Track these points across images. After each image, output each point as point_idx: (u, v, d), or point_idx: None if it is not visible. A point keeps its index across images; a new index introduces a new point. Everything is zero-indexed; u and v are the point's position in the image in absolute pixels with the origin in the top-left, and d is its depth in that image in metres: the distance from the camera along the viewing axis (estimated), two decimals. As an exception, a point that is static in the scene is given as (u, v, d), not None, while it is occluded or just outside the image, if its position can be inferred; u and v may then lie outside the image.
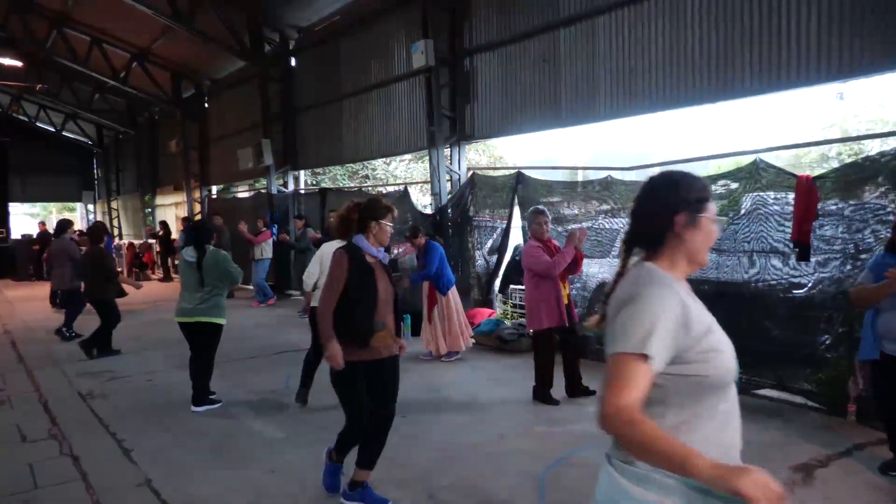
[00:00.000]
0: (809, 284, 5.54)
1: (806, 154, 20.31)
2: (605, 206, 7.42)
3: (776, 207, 5.68)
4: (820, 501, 3.69)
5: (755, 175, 5.79)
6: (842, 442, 4.49)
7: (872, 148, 18.61)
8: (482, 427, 4.97)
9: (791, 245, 5.43)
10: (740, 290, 5.93)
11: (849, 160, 19.14)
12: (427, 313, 7.37)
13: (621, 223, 7.49)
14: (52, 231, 17.05)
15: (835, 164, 18.40)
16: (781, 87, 5.75)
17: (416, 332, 8.26)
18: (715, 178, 6.19)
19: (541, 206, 6.03)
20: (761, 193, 5.78)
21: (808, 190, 5.30)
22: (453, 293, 7.38)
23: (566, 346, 5.79)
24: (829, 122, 22.67)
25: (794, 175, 5.53)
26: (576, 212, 7.66)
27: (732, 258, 6.01)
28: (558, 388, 5.70)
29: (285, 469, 4.27)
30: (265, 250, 11.84)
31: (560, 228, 7.43)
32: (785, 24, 5.63)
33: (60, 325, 9.07)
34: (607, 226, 7.55)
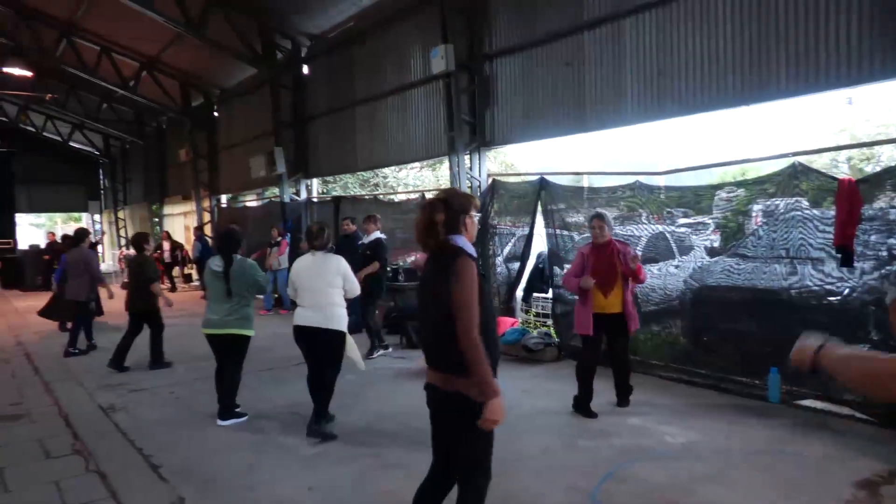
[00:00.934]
0: (846, 291, 5.39)
1: (816, 160, 20.16)
2: (632, 212, 7.29)
3: (815, 212, 5.54)
4: (889, 519, 3.52)
5: (793, 179, 5.65)
6: (901, 455, 4.33)
7: (882, 153, 18.52)
8: (523, 440, 4.80)
9: (833, 250, 5.28)
10: (777, 296, 5.78)
11: (860, 165, 19.04)
12: None
13: (650, 229, 7.36)
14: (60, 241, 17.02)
15: (845, 170, 18.28)
16: (819, 88, 5.61)
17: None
18: (751, 183, 6.05)
19: (600, 210, 5.84)
20: (799, 199, 5.65)
21: (850, 193, 5.16)
22: None
23: (613, 357, 5.64)
24: (839, 127, 22.58)
25: (835, 178, 5.39)
26: (613, 216, 7.49)
27: (769, 264, 5.87)
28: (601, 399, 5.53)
29: (323, 487, 4.11)
30: (282, 260, 11.70)
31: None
32: (823, 23, 5.50)
33: (66, 347, 8.66)
34: (636, 232, 7.41)
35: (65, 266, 9.01)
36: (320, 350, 5.06)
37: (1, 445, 5.09)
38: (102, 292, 8.91)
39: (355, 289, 5.20)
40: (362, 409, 5.78)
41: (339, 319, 5.05)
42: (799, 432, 4.82)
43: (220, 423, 5.47)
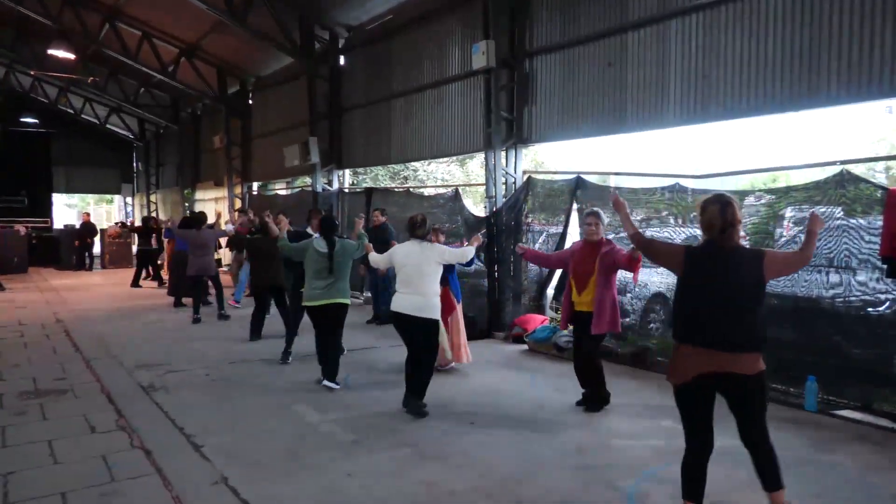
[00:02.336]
0: (888, 302, 5.33)
1: (853, 169, 19.80)
2: (670, 214, 7.25)
3: (862, 221, 5.47)
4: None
5: (839, 188, 5.58)
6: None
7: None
8: (558, 439, 4.83)
9: (880, 260, 5.21)
10: (818, 305, 5.73)
11: (899, 175, 18.60)
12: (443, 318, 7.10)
13: (687, 232, 7.31)
14: (92, 221, 17.44)
15: (883, 180, 17.93)
16: (871, 96, 5.52)
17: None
18: (796, 189, 5.99)
19: (595, 208, 5.88)
20: (834, 207, 5.58)
21: (900, 203, 5.08)
22: (458, 304, 7.12)
23: (576, 355, 5.74)
24: (879, 137, 22.14)
25: (885, 188, 5.31)
26: (639, 218, 7.48)
27: (810, 272, 5.81)
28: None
29: (363, 474, 4.18)
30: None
31: (612, 235, 7.24)
32: (879, 30, 5.41)
33: (218, 311, 10.10)
34: (672, 235, 7.37)
35: (187, 245, 10.19)
36: (417, 336, 5.42)
37: (48, 419, 5.27)
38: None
39: (467, 253, 5.67)
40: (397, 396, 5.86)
41: (435, 309, 5.43)
42: (838, 442, 4.78)
43: (326, 384, 6.13)
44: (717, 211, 3.22)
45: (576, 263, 5.56)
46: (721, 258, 3.25)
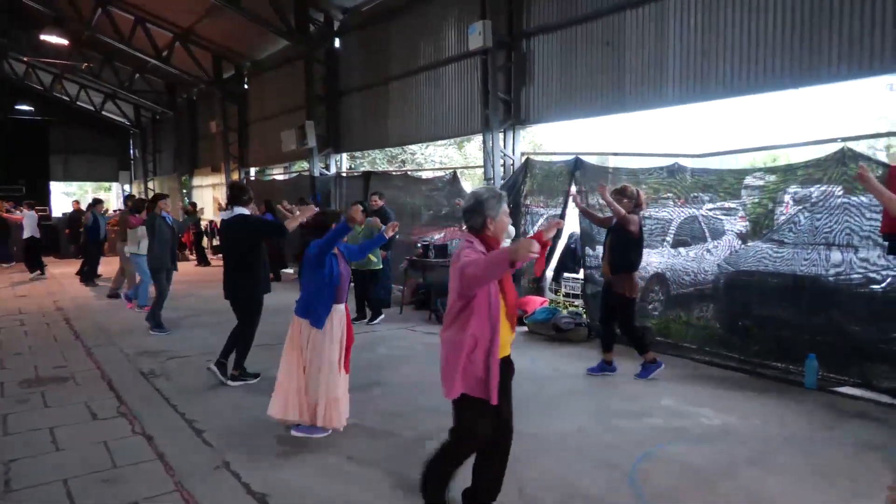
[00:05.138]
0: (889, 279, 5.31)
1: (853, 147, 19.70)
2: (668, 194, 7.22)
3: (863, 199, 5.44)
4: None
5: (841, 165, 5.54)
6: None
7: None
8: (558, 419, 4.84)
9: (882, 237, 5.19)
10: (818, 282, 5.72)
11: (901, 152, 18.51)
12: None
13: (686, 211, 7.29)
14: (83, 209, 17.33)
15: (884, 157, 17.86)
16: (873, 72, 5.48)
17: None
18: (797, 168, 5.95)
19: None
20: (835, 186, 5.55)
21: (901, 180, 5.04)
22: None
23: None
24: (880, 114, 22.01)
25: (886, 164, 5.28)
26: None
27: (811, 250, 5.79)
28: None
29: (362, 457, 4.19)
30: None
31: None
32: (880, 2, 5.35)
33: None
34: (669, 216, 7.35)
35: None
36: None
37: (50, 406, 5.27)
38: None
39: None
40: (399, 382, 5.86)
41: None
42: (837, 418, 4.80)
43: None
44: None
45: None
46: None
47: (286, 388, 4.47)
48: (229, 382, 5.79)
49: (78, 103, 24.63)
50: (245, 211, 5.81)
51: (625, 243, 5.81)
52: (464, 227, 3.61)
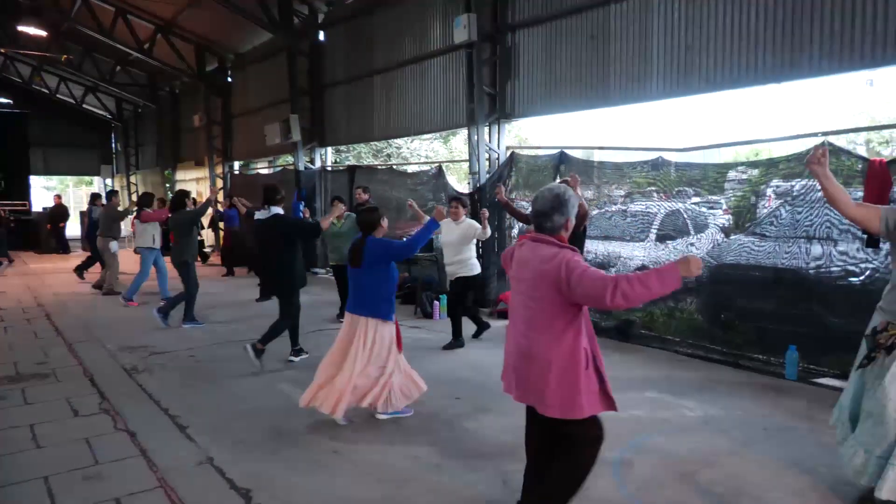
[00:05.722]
0: (868, 272, 5.39)
1: (833, 141, 19.93)
2: (652, 188, 7.27)
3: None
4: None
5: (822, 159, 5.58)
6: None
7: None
8: (542, 411, 4.86)
9: (859, 231, 5.26)
10: (798, 275, 5.79)
11: (879, 148, 18.78)
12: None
13: (669, 205, 7.33)
14: (64, 203, 17.17)
15: (863, 152, 18.09)
16: (853, 67, 5.53)
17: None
18: (779, 161, 6.01)
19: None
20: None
21: (881, 174, 5.12)
22: None
23: None
24: (859, 110, 22.27)
25: (866, 158, 5.35)
26: (622, 192, 7.50)
27: (792, 244, 5.85)
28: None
29: (348, 451, 4.19)
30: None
31: (614, 208, 7.30)
32: None
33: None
34: (654, 210, 7.40)
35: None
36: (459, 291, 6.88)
37: (30, 403, 5.21)
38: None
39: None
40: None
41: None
42: (817, 409, 4.86)
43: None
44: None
45: None
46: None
47: (322, 381, 4.67)
48: (292, 358, 6.32)
49: (58, 96, 24.26)
50: (280, 210, 6.14)
51: None
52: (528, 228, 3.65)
